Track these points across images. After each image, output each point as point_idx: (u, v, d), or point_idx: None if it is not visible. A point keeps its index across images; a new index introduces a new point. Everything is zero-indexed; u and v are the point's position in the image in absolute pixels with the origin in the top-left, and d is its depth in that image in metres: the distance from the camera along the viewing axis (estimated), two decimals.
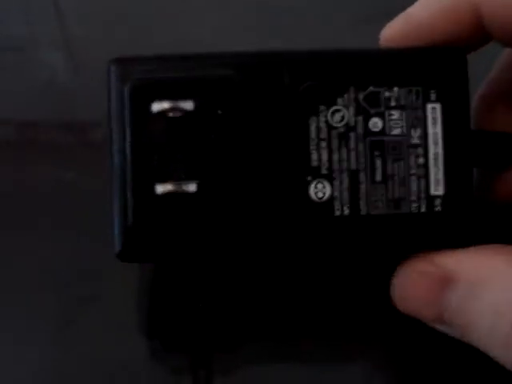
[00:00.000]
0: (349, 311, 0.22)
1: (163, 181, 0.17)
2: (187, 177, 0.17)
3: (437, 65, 0.18)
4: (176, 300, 0.22)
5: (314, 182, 0.18)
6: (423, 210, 0.18)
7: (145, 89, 0.17)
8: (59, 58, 0.24)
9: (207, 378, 0.22)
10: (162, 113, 0.17)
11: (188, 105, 0.17)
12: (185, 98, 0.17)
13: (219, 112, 0.17)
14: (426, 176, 0.18)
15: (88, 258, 0.21)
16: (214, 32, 0.24)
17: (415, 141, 0.18)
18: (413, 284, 0.18)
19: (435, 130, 0.18)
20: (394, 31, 0.20)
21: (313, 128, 0.18)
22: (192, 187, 0.17)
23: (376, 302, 0.22)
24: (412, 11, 0.20)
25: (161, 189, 0.17)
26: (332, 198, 0.18)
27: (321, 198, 0.18)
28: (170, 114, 0.17)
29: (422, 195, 0.18)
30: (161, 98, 0.17)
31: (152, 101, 0.17)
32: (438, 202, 0.18)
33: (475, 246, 0.18)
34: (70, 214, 0.22)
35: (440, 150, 0.18)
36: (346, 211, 0.18)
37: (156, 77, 0.17)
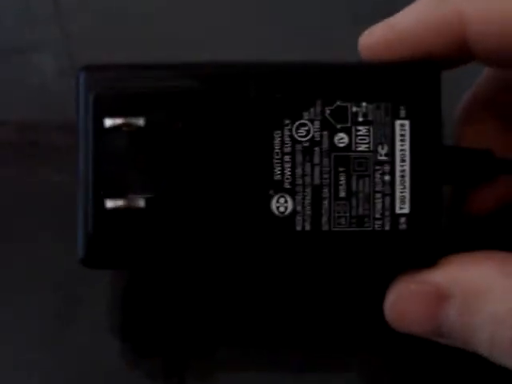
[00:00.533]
0: (325, 318, 0.22)
1: (117, 195, 0.17)
2: (142, 191, 0.17)
3: (408, 80, 0.18)
4: (150, 304, 0.22)
5: (276, 196, 0.18)
6: (387, 227, 0.18)
7: (103, 101, 0.17)
8: (58, 59, 0.24)
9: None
10: (118, 127, 0.17)
11: (139, 121, 0.17)
12: (139, 112, 0.17)
13: (180, 125, 0.17)
14: (392, 194, 0.18)
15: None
16: (212, 31, 0.24)
17: (382, 157, 0.18)
18: (406, 305, 0.18)
19: (403, 148, 0.18)
20: (374, 39, 0.19)
21: (277, 141, 0.18)
22: (141, 203, 0.17)
23: (361, 311, 0.21)
24: (395, 19, 0.19)
25: (111, 204, 0.17)
26: (294, 212, 0.18)
27: (282, 213, 0.18)
28: (125, 129, 0.17)
29: (387, 213, 0.18)
30: (114, 113, 0.17)
31: (107, 115, 0.17)
32: (403, 220, 0.18)
33: (464, 252, 0.18)
34: (67, 215, 0.23)
35: (407, 168, 0.18)
36: (308, 226, 0.18)
37: (116, 89, 0.17)
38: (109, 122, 0.17)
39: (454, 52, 0.19)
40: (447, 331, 0.17)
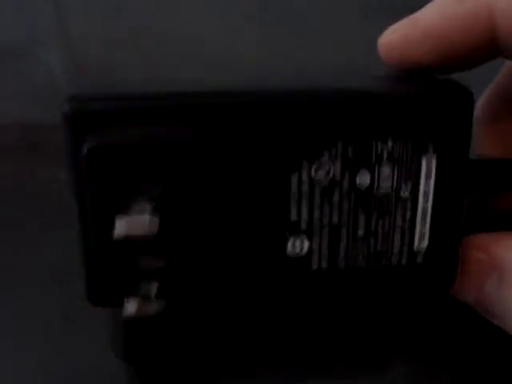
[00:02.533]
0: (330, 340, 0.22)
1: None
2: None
3: (439, 111, 0.16)
4: (157, 329, 0.22)
5: (292, 238, 0.17)
6: (404, 262, 0.18)
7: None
8: (60, 59, 0.22)
9: None
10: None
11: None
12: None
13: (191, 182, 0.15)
14: (411, 230, 0.17)
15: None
16: (214, 29, 0.22)
17: (405, 195, 0.17)
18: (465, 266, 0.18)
19: (428, 184, 0.17)
20: (396, 35, 0.17)
21: (294, 182, 0.16)
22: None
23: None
24: (420, 15, 0.17)
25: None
26: (310, 252, 0.17)
27: (298, 254, 0.17)
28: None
29: (405, 249, 0.17)
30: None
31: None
32: (420, 254, 0.17)
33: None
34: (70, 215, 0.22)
35: (429, 205, 0.17)
36: (324, 265, 0.17)
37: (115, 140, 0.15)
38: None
39: (481, 48, 0.17)
40: (490, 303, 0.17)
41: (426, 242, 0.17)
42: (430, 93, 0.16)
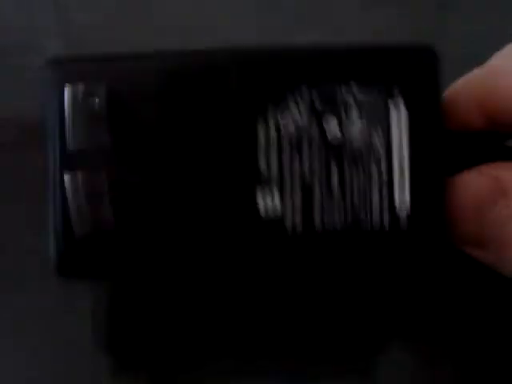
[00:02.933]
0: (320, 327, 0.20)
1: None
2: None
3: (403, 61, 0.16)
4: (136, 317, 0.20)
5: (262, 191, 0.16)
6: (386, 226, 0.16)
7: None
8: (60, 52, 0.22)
9: None
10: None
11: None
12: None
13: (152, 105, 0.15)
14: (390, 185, 0.16)
15: None
16: (214, 17, 0.23)
17: (376, 143, 0.16)
18: (464, 193, 0.16)
19: (400, 132, 0.16)
20: (468, 87, 0.17)
21: (261, 129, 0.16)
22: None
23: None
24: (497, 63, 0.16)
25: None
26: (284, 209, 0.16)
27: (270, 210, 0.16)
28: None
29: (385, 208, 0.16)
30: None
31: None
32: (403, 216, 0.16)
33: None
34: None
35: (405, 154, 0.16)
36: (299, 226, 0.16)
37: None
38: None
39: None
40: (489, 233, 0.15)
41: (407, 200, 0.16)
42: (393, 43, 0.17)
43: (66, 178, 0.15)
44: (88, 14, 0.22)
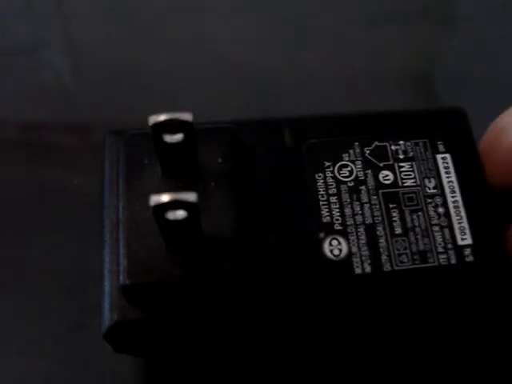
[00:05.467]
0: None
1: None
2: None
3: (441, 121, 0.18)
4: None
5: (328, 239, 0.16)
6: (453, 261, 0.16)
7: (141, 137, 0.16)
8: (63, 59, 0.23)
9: None
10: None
11: (187, 116, 0.15)
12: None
13: (219, 160, 0.16)
14: (450, 225, 0.17)
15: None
16: (215, 34, 0.23)
17: (431, 190, 0.17)
18: None
19: (450, 179, 0.17)
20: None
21: (320, 184, 0.17)
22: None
23: None
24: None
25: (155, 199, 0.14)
26: (350, 254, 0.16)
27: (337, 256, 0.16)
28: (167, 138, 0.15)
29: (450, 245, 0.16)
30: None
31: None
32: (467, 251, 0.16)
33: None
34: (76, 217, 0.21)
35: (459, 198, 0.17)
36: (368, 268, 0.16)
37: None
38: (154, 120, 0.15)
39: None
40: None
41: (469, 238, 0.17)
42: (431, 109, 0.19)
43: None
44: (91, 28, 0.23)
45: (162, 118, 0.15)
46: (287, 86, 0.21)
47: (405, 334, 0.18)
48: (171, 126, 0.15)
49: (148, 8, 0.24)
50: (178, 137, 0.15)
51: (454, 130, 0.18)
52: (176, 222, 0.14)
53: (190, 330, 0.16)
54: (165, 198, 0.14)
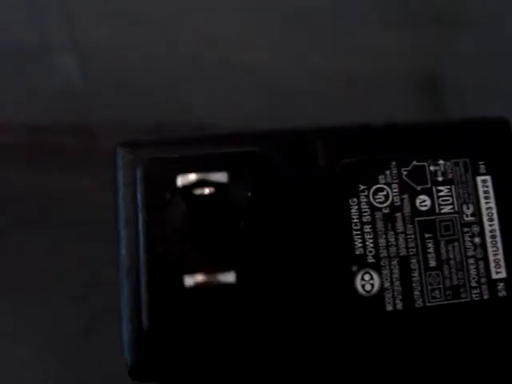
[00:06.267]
0: None
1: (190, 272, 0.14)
2: (217, 268, 0.15)
3: (483, 135, 0.17)
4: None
5: (361, 273, 0.16)
6: (486, 296, 0.16)
7: (161, 167, 0.15)
8: (71, 62, 0.22)
9: None
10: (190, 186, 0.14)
11: (222, 176, 0.14)
12: (214, 169, 0.14)
13: (249, 194, 0.15)
14: (485, 257, 0.16)
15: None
16: (227, 35, 0.22)
17: (469, 218, 0.16)
18: None
19: (489, 205, 0.16)
20: None
21: (354, 210, 0.16)
22: (231, 277, 0.14)
23: None
24: None
25: (190, 281, 0.14)
26: (382, 289, 0.16)
27: (369, 292, 0.16)
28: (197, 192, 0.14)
29: (483, 280, 0.16)
30: (184, 171, 0.14)
31: (172, 176, 0.14)
32: (501, 286, 0.16)
33: None
34: (85, 219, 0.20)
35: (497, 227, 0.16)
36: (399, 304, 0.16)
37: (168, 158, 0.15)
38: (182, 180, 0.14)
39: None
40: None
41: (503, 271, 0.16)
42: (471, 118, 0.17)
43: None
44: (100, 30, 0.22)
45: (193, 178, 0.13)
46: (298, 88, 0.20)
47: (435, 370, 0.18)
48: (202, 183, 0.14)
49: (159, 10, 0.22)
50: (209, 190, 0.14)
51: (496, 146, 0.17)
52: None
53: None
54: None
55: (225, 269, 0.14)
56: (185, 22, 0.22)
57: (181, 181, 0.14)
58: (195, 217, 0.15)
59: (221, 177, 0.14)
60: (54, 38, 0.22)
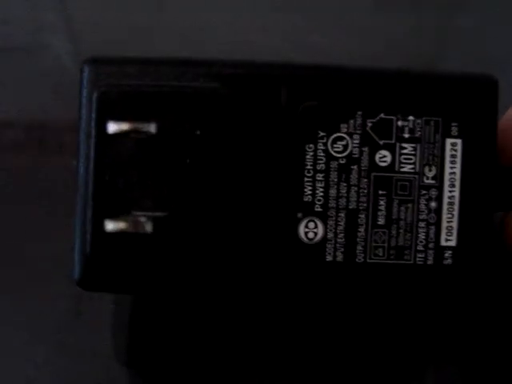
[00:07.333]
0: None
1: (120, 213, 0.15)
2: (151, 208, 0.15)
3: (462, 93, 0.16)
4: (160, 331, 0.20)
5: (305, 221, 0.16)
6: (430, 261, 0.16)
7: (109, 101, 0.15)
8: (69, 58, 0.22)
9: None
10: (124, 133, 0.14)
11: (150, 127, 0.14)
12: (150, 117, 0.14)
13: (197, 132, 0.15)
14: (438, 223, 0.16)
15: None
16: (221, 16, 0.22)
17: (429, 181, 0.16)
18: None
19: (453, 170, 0.16)
20: None
21: (309, 157, 0.15)
22: (148, 227, 0.15)
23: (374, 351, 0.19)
24: None
25: (111, 226, 0.14)
26: (324, 240, 0.16)
27: (311, 239, 0.16)
28: (133, 135, 0.14)
29: (431, 245, 0.16)
30: (120, 117, 0.14)
31: (112, 118, 0.14)
32: (448, 253, 0.16)
33: None
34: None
35: (457, 194, 0.16)
36: (340, 256, 0.16)
37: (124, 87, 0.15)
38: (113, 128, 0.14)
39: None
40: None
41: (454, 240, 0.16)
42: (453, 75, 0.16)
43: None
44: (92, 11, 0.22)
45: (123, 127, 0.13)
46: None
47: (368, 325, 0.18)
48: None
49: None
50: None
51: (475, 107, 0.16)
52: None
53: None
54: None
55: (157, 209, 0.14)
56: (181, 4, 0.22)
57: (112, 128, 0.14)
58: (138, 156, 0.15)
59: (150, 127, 0.14)
60: (51, 35, 0.22)
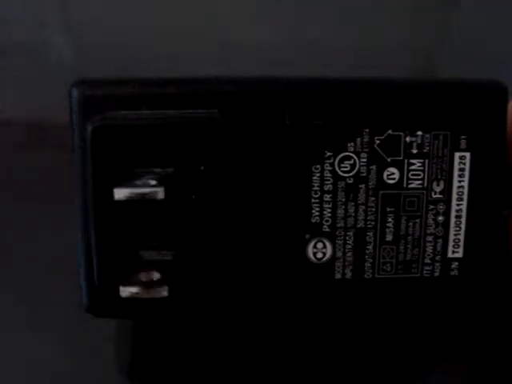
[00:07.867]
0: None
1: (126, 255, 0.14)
2: (162, 246, 0.14)
3: (471, 104, 0.15)
4: (163, 333, 0.20)
5: (314, 241, 0.15)
6: (437, 273, 0.16)
7: (104, 142, 0.14)
8: (69, 58, 0.22)
9: None
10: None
11: (158, 193, 0.14)
12: (149, 158, 0.14)
13: (202, 168, 0.14)
14: (445, 236, 0.16)
15: None
16: (217, 12, 0.21)
17: (437, 196, 0.15)
18: None
19: (461, 184, 0.15)
20: None
21: (316, 178, 0.15)
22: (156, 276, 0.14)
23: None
24: None
25: (125, 293, 0.14)
26: (333, 258, 0.15)
27: (320, 259, 0.15)
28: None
29: (438, 258, 0.16)
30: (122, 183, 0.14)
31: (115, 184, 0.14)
32: (454, 265, 0.16)
33: None
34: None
35: (464, 207, 0.16)
36: (349, 274, 0.16)
37: (124, 119, 0.14)
38: (119, 195, 0.13)
39: None
40: None
41: (460, 252, 0.16)
42: (461, 84, 0.15)
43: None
44: (92, 11, 0.21)
45: (128, 195, 0.13)
46: (288, 59, 0.17)
47: (379, 339, 0.18)
48: None
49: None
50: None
51: (485, 117, 0.15)
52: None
53: None
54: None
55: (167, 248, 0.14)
56: (181, 4, 0.21)
57: (117, 195, 0.13)
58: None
59: (158, 194, 0.13)
60: (52, 34, 0.21)
